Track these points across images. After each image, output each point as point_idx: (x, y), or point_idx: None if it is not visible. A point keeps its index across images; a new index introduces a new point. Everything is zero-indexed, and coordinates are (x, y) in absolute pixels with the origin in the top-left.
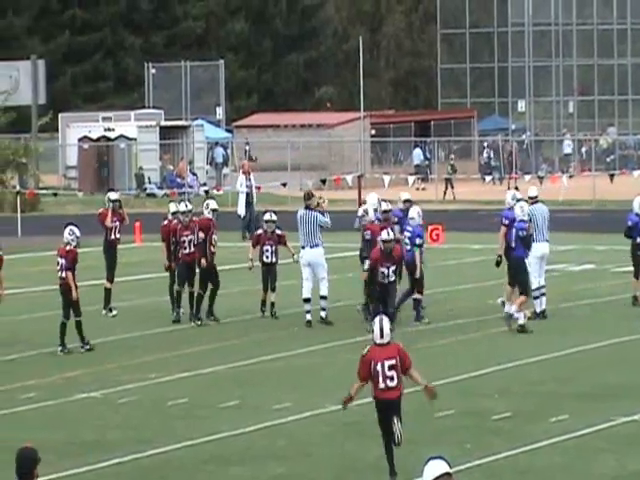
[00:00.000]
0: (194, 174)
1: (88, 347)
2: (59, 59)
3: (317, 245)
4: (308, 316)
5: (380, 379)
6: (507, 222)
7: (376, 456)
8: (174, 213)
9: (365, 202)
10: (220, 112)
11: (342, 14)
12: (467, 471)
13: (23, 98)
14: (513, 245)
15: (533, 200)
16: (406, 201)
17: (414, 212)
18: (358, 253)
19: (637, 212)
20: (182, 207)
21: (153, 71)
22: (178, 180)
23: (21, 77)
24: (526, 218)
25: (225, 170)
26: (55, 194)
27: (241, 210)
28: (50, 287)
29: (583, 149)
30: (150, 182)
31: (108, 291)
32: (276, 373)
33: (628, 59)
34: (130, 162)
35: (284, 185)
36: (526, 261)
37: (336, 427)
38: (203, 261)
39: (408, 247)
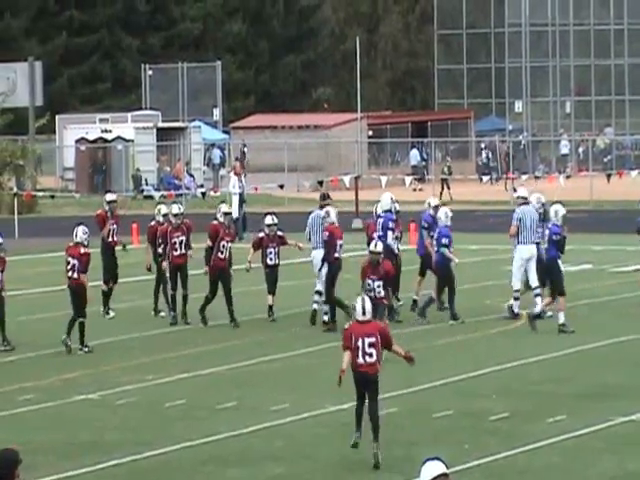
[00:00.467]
0: (191, 175)
1: (87, 349)
2: (56, 61)
3: None
4: (315, 306)
5: (360, 354)
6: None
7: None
8: (165, 215)
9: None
10: (217, 113)
11: (339, 15)
12: (465, 471)
13: (20, 100)
14: (546, 246)
15: (523, 201)
16: (436, 207)
17: (442, 213)
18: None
19: None
20: (175, 209)
21: (150, 72)
22: (175, 182)
23: (18, 79)
24: (560, 222)
25: (222, 171)
26: (52, 196)
27: (234, 212)
28: (48, 289)
29: (580, 149)
30: (147, 184)
31: (104, 293)
32: (274, 374)
33: (625, 59)
34: (127, 164)
35: (281, 187)
36: (558, 262)
37: (334, 428)
38: (206, 268)
39: (436, 248)
